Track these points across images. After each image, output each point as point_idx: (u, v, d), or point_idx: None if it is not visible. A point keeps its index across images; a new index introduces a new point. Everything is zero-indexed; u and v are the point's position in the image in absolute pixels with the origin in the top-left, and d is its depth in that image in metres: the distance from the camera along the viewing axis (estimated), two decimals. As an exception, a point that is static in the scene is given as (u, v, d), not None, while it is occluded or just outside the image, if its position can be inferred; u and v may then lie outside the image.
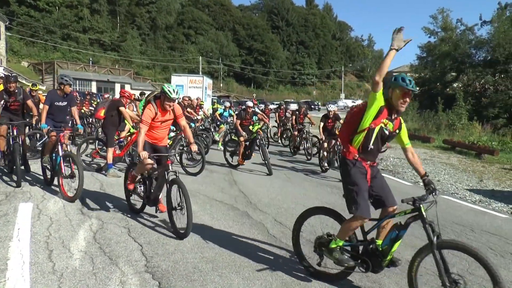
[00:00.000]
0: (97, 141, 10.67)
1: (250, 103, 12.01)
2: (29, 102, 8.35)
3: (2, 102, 8.07)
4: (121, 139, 9.85)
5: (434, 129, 24.73)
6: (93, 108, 17.04)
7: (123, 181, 6.42)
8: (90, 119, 16.00)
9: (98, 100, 22.20)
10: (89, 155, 10.44)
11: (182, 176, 9.31)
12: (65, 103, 7.92)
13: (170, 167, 5.50)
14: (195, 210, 6.56)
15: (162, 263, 4.39)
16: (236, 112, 14.96)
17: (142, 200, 6.08)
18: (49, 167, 7.61)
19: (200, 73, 56.44)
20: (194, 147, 5.95)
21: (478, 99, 30.30)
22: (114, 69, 61.15)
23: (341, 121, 10.42)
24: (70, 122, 9.20)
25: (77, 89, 47.00)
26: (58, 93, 7.82)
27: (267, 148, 13.31)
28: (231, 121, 15.71)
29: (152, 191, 5.80)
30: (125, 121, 9.61)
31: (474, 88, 32.76)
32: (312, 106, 55.37)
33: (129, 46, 68.57)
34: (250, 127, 11.23)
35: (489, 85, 31.88)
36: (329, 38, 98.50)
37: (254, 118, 11.79)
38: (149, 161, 5.54)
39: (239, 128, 11.13)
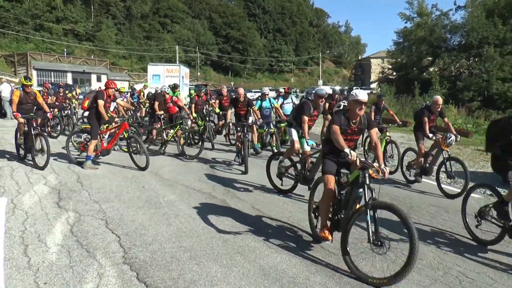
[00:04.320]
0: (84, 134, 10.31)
1: (322, 91, 7.07)
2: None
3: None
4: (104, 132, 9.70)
5: (411, 113, 24.94)
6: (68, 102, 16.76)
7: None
8: (66, 112, 15.64)
9: (73, 93, 21.85)
10: (77, 148, 10.17)
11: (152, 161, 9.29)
12: None
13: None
14: (173, 199, 6.56)
15: (140, 254, 4.38)
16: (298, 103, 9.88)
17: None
18: None
19: (177, 62, 55.89)
20: None
21: (454, 83, 30.91)
22: (90, 60, 60.12)
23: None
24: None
25: (52, 80, 46.12)
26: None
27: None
28: (278, 118, 12.00)
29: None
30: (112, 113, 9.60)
31: (449, 72, 33.38)
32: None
33: (104, 36, 67.26)
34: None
35: (463, 69, 32.51)
36: (306, 25, 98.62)
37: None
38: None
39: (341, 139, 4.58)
